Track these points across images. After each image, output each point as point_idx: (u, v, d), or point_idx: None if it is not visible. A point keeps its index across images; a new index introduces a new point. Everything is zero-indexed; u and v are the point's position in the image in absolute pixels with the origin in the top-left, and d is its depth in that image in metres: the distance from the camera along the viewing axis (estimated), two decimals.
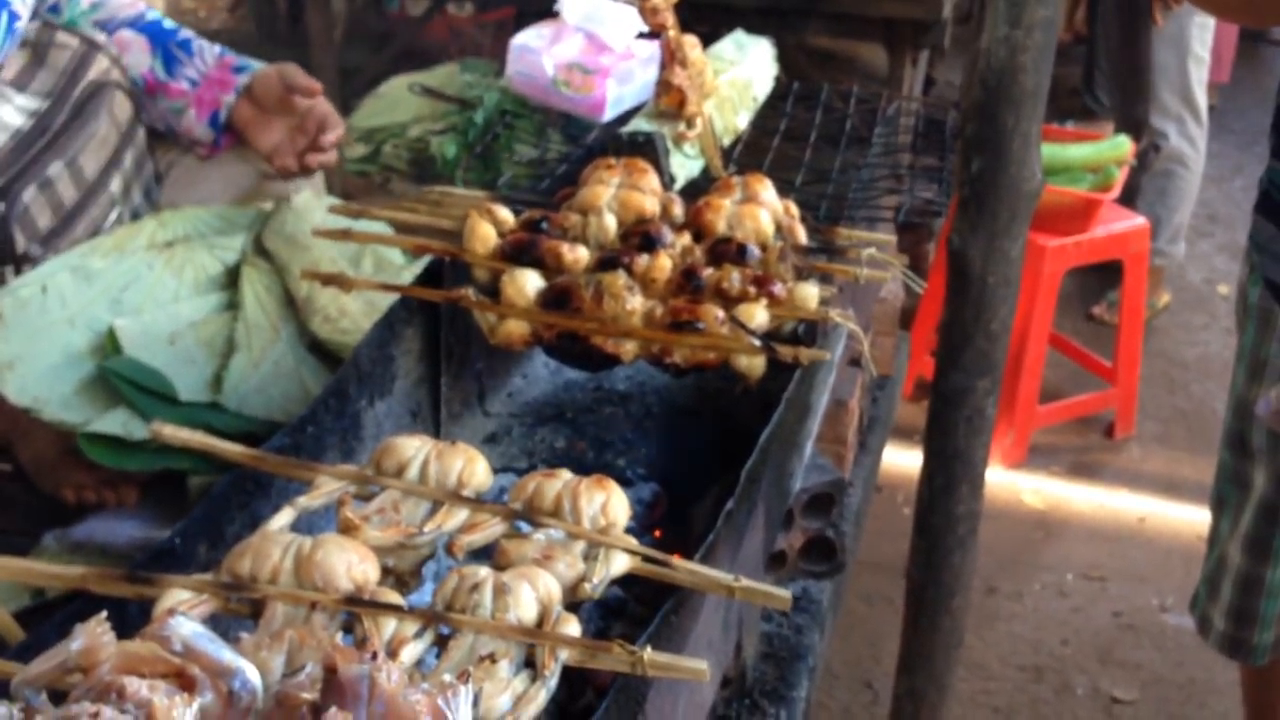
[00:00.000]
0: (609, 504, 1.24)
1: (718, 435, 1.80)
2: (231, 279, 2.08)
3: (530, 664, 1.10)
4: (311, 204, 2.17)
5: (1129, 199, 4.31)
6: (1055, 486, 4.05)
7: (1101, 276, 4.71)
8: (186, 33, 2.08)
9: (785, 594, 1.15)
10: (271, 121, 2.04)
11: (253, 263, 2.08)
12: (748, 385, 1.59)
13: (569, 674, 1.12)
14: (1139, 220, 4.04)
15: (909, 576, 2.54)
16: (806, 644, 1.77)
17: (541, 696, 1.07)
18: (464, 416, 1.79)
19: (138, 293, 1.95)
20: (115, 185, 1.97)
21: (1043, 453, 4.16)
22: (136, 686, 0.90)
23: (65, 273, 1.83)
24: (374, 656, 0.93)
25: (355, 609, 1.12)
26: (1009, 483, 4.03)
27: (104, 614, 0.96)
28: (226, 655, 0.94)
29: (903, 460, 3.87)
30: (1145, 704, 3.27)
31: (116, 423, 1.88)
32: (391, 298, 1.74)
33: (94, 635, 0.94)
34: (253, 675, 0.94)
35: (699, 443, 1.79)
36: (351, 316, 2.09)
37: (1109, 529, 3.88)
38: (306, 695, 0.93)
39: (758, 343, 1.52)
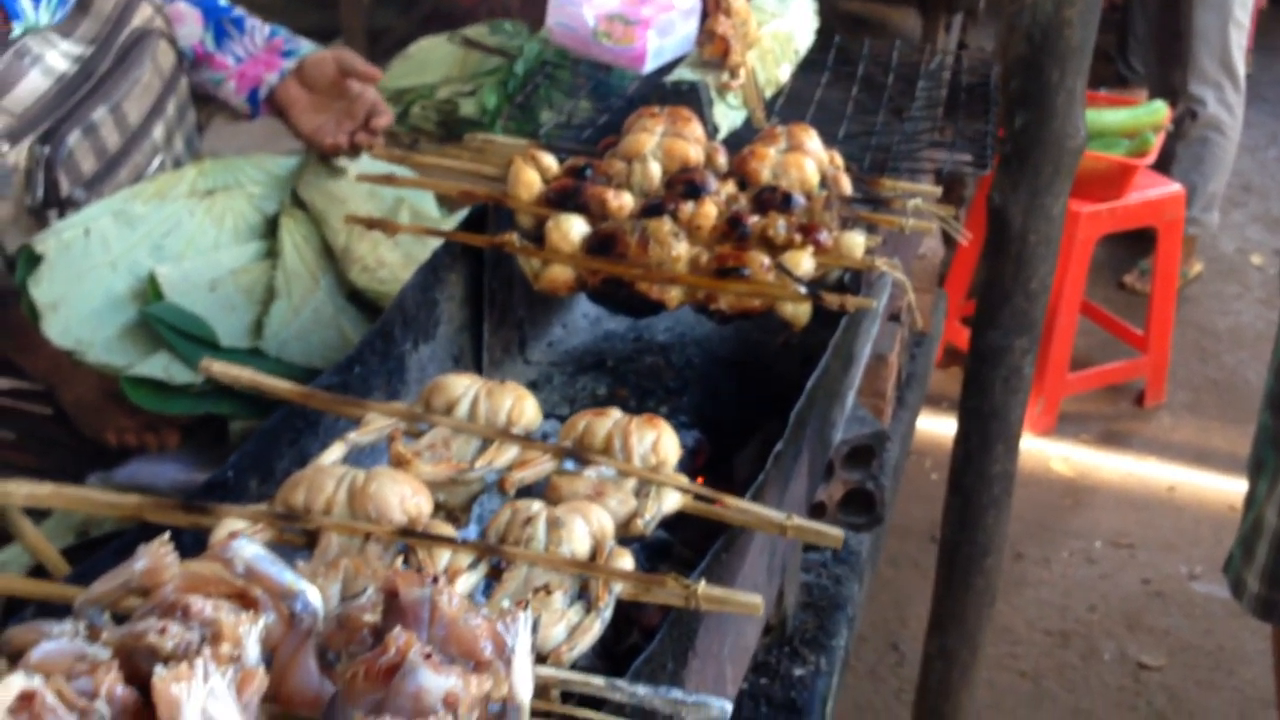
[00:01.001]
0: (660, 442, 1.24)
1: (758, 386, 1.80)
2: (270, 228, 2.09)
3: (584, 597, 1.10)
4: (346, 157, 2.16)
5: (1163, 166, 4.27)
6: (1084, 454, 4.04)
7: (1132, 246, 4.68)
8: (241, 11, 2.09)
9: (837, 532, 1.15)
10: (319, 104, 2.05)
11: (291, 213, 2.09)
12: (790, 335, 1.59)
13: (616, 616, 1.12)
14: (1174, 187, 4.00)
15: (942, 536, 2.54)
16: (845, 594, 1.77)
17: (596, 627, 1.07)
18: (505, 364, 1.79)
19: (179, 239, 1.95)
20: (158, 132, 1.98)
21: (1072, 420, 4.14)
22: (201, 605, 0.90)
23: (108, 217, 1.83)
24: (435, 581, 0.94)
25: (409, 540, 1.12)
26: (1038, 450, 4.02)
27: (167, 535, 0.97)
28: (288, 577, 0.94)
29: (931, 426, 3.87)
30: (1173, 670, 3.27)
31: (158, 366, 1.89)
32: (431, 250, 1.74)
33: (157, 556, 0.94)
34: (314, 597, 0.95)
35: (740, 393, 1.79)
36: (390, 267, 2.10)
37: (1138, 497, 3.87)
38: (368, 617, 0.94)
39: (804, 289, 1.52)
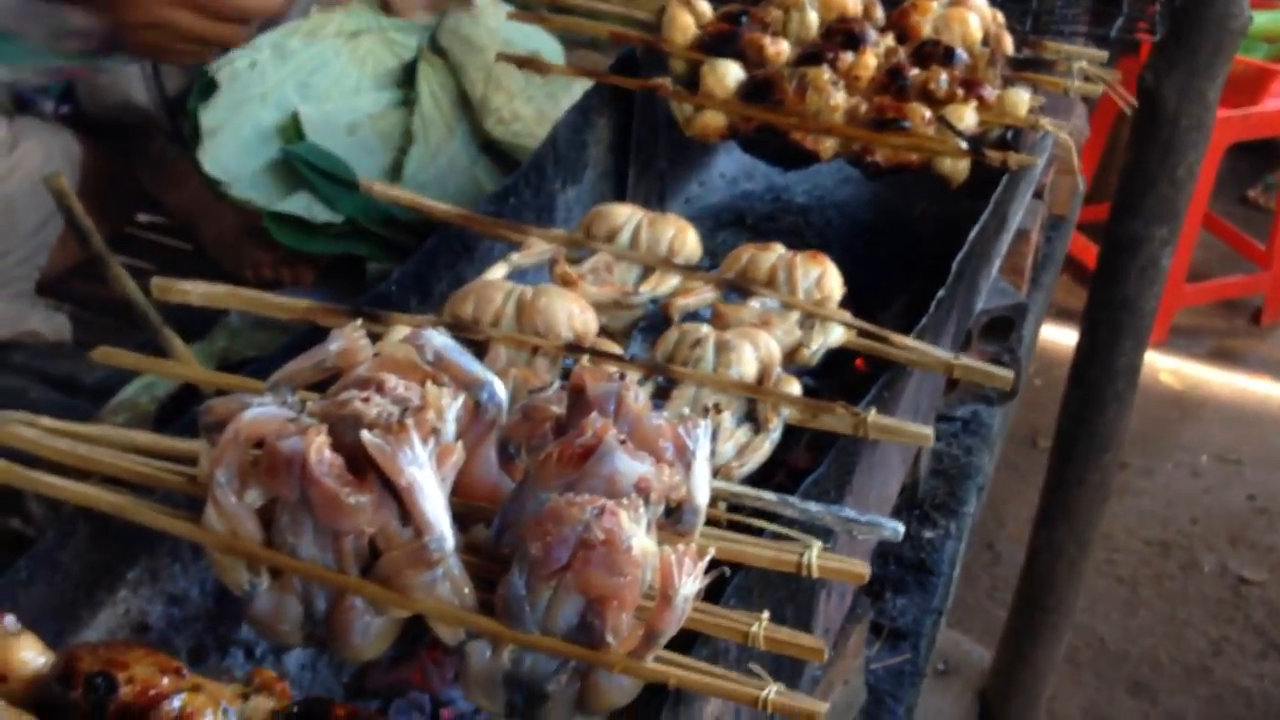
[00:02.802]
0: (824, 278, 1.23)
1: (898, 252, 1.77)
2: (408, 75, 2.09)
3: (751, 419, 1.10)
4: (489, 8, 2.15)
5: None
6: (1195, 369, 3.95)
7: (1257, 160, 4.52)
8: None
9: (1006, 373, 1.14)
10: None
11: (429, 60, 2.08)
12: (929, 205, 1.56)
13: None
14: None
15: (1058, 428, 2.50)
16: (976, 464, 1.76)
17: (765, 447, 1.07)
18: None
19: (325, 78, 1.97)
20: None
21: (1184, 334, 4.04)
22: (395, 384, 0.91)
23: (269, 49, 1.86)
24: (621, 377, 0.94)
25: (577, 355, 1.13)
26: (1147, 361, 3.91)
27: (359, 321, 0.98)
28: (476, 368, 0.95)
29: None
30: (1274, 585, 3.22)
31: (300, 205, 1.92)
32: (565, 105, 1.72)
33: (352, 339, 0.96)
34: (500, 389, 0.95)
35: (880, 258, 1.77)
36: (524, 121, 2.09)
37: (1249, 414, 3.78)
38: (554, 408, 0.94)
39: (965, 144, 1.48)
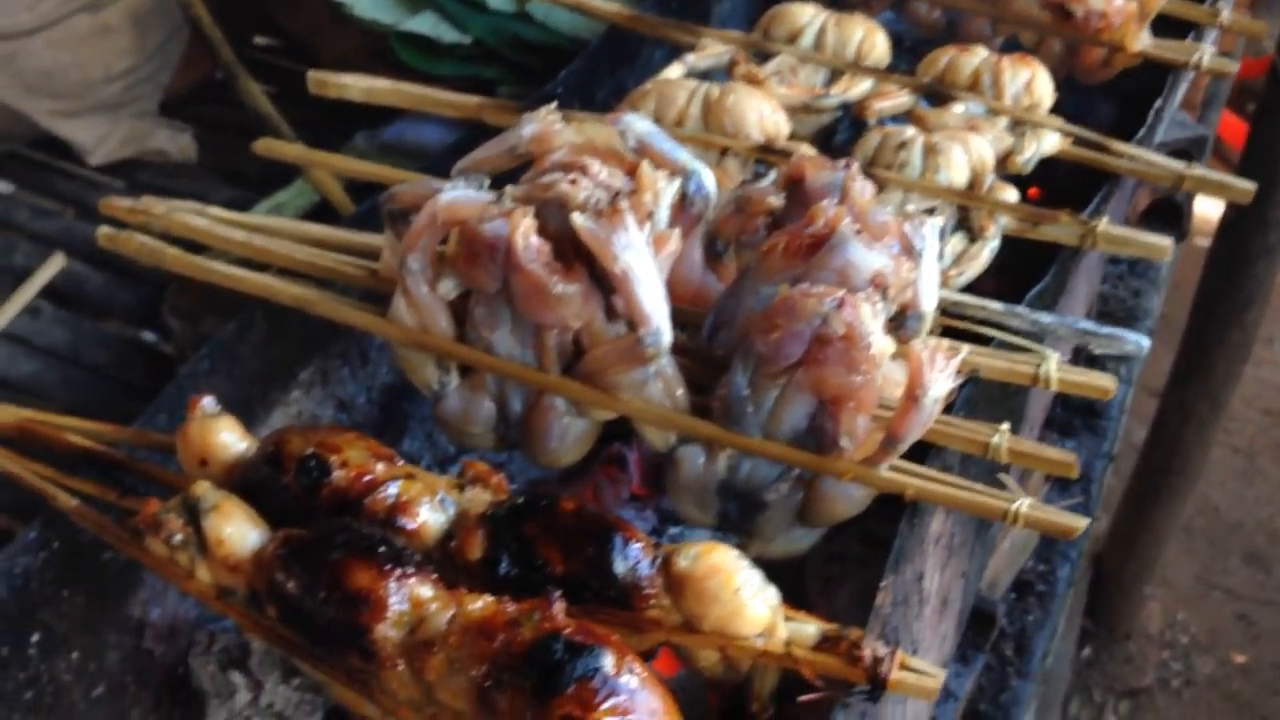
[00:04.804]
0: (1034, 82, 1.12)
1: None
2: None
3: (964, 228, 1.01)
4: None
5: None
6: None
7: None
8: None
9: (1247, 184, 1.04)
10: None
11: None
12: None
13: None
14: None
15: (1201, 285, 2.38)
16: (1145, 307, 1.66)
17: (984, 255, 0.99)
18: None
19: None
20: None
21: None
22: (598, 169, 0.84)
23: None
24: (847, 166, 0.85)
25: (769, 158, 1.04)
26: None
27: (554, 104, 0.90)
28: (683, 156, 0.87)
29: None
30: None
31: (427, 24, 1.82)
32: None
33: (547, 123, 0.88)
34: (708, 180, 0.87)
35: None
36: None
37: None
38: (772, 200, 0.86)
39: None
